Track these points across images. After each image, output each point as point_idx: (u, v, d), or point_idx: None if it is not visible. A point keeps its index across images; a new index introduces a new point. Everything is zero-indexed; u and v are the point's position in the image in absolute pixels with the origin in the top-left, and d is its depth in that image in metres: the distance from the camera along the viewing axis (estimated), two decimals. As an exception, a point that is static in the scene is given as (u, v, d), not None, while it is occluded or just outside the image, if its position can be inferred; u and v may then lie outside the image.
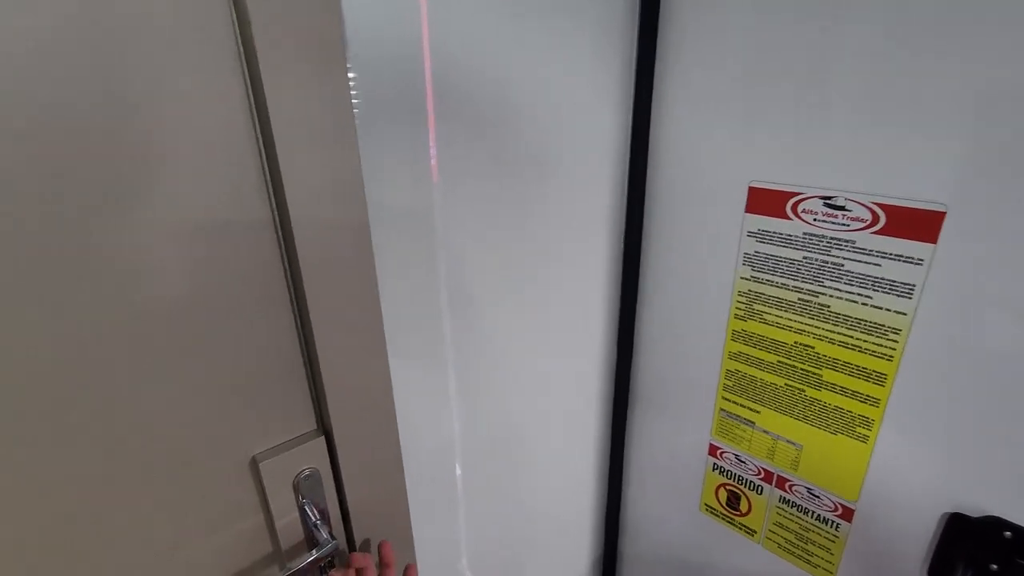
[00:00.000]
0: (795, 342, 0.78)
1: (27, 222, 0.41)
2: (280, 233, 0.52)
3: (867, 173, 0.66)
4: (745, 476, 0.90)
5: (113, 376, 0.47)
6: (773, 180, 0.74)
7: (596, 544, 1.16)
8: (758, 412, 0.85)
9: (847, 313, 0.72)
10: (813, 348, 0.76)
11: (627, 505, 1.12)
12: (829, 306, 0.73)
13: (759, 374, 0.83)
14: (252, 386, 0.55)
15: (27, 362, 0.43)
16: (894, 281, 0.67)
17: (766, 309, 0.80)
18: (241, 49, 0.46)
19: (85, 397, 0.46)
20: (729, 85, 0.75)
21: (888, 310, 0.68)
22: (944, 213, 0.62)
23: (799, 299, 0.76)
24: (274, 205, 0.51)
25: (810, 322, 0.76)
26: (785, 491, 0.86)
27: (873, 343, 0.71)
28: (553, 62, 0.73)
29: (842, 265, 0.71)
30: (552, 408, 0.94)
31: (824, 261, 0.72)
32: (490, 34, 0.66)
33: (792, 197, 0.73)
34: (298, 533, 0.62)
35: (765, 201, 0.75)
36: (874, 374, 0.71)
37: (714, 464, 0.94)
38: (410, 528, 0.73)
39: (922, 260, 0.64)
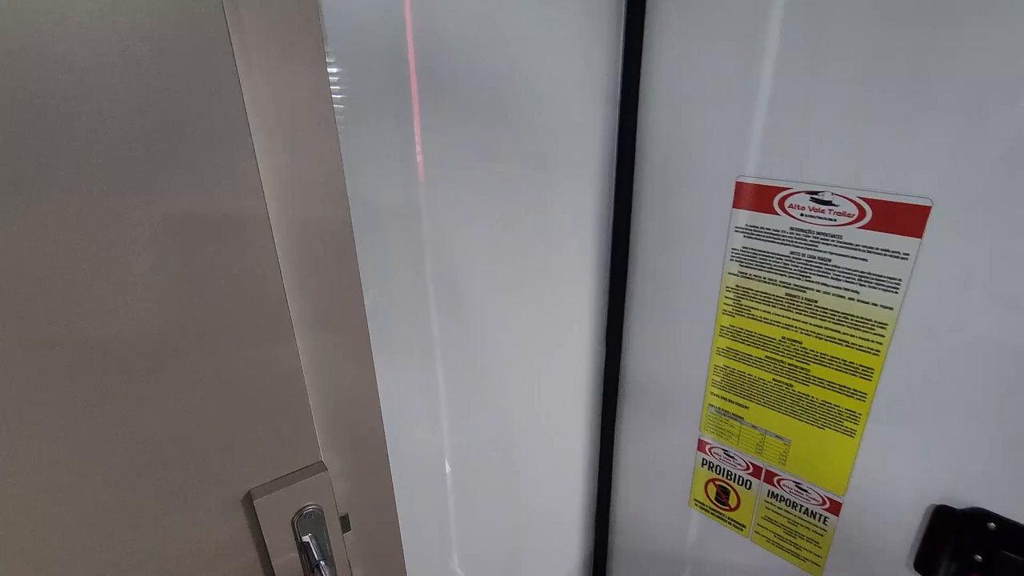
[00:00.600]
0: (783, 337, 0.78)
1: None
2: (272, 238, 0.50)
3: (853, 168, 0.66)
4: (734, 471, 0.91)
5: (92, 394, 0.45)
6: (760, 175, 0.74)
7: (587, 540, 1.16)
8: (747, 407, 0.85)
9: (834, 308, 0.72)
10: (801, 343, 0.77)
11: (617, 501, 1.12)
12: (816, 301, 0.73)
13: (747, 369, 0.83)
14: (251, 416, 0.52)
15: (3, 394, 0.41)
16: (880, 275, 0.67)
17: (754, 305, 0.80)
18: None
19: (63, 428, 0.44)
20: (717, 80, 0.75)
21: (874, 304, 0.69)
22: (930, 208, 0.62)
23: (787, 294, 0.76)
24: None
25: (798, 317, 0.76)
26: (774, 486, 0.86)
27: (860, 338, 0.71)
28: (539, 53, 0.72)
29: (829, 260, 0.71)
30: (542, 405, 0.93)
31: (811, 256, 0.72)
32: (475, 24, 0.65)
33: (779, 192, 0.73)
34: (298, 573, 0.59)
35: (752, 196, 0.75)
36: (861, 368, 0.72)
37: (703, 459, 0.94)
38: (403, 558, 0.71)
39: (908, 254, 0.65)
